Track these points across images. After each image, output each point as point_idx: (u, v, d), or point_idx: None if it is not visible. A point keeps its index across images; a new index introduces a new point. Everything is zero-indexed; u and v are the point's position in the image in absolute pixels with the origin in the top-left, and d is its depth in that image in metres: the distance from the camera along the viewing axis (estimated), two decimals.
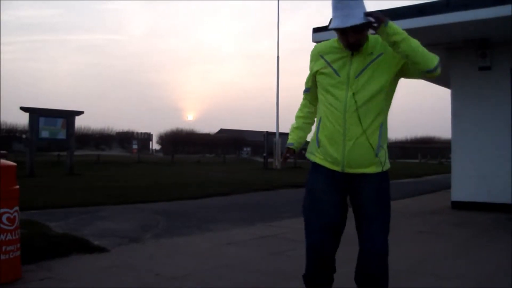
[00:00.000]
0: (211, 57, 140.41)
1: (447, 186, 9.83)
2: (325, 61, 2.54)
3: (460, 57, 8.12)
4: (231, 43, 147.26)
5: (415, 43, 2.31)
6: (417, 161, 38.47)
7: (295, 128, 2.79)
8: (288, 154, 2.74)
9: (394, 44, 2.31)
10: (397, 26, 2.31)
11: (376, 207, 2.47)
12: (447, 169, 12.30)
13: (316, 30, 7.60)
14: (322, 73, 2.56)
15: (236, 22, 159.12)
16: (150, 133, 63.54)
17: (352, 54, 2.46)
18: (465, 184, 8.07)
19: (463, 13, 6.45)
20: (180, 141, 57.97)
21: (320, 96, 2.60)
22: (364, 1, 2.38)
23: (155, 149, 62.55)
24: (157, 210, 7.42)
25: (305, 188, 2.65)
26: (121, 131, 60.70)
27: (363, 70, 2.43)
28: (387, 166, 2.51)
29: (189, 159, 34.95)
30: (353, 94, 2.43)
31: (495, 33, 7.20)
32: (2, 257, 3.41)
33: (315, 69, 2.60)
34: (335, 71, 2.49)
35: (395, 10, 7.04)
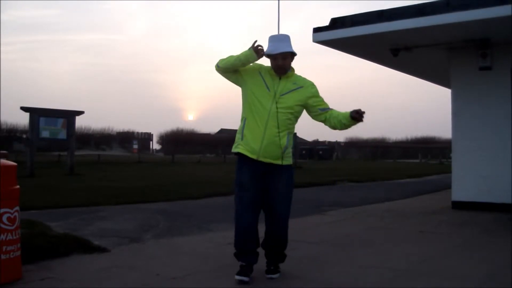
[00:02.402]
0: (211, 57, 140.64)
1: (447, 186, 9.83)
2: (262, 77, 3.57)
3: (460, 57, 8.11)
4: (231, 43, 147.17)
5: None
6: (417, 161, 38.46)
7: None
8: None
9: (345, 126, 3.57)
10: None
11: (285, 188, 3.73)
12: (447, 169, 12.28)
13: (316, 30, 7.57)
14: (256, 85, 3.55)
15: (236, 22, 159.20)
16: (150, 133, 63.55)
17: (280, 79, 3.56)
18: (466, 184, 8.06)
19: (463, 13, 6.43)
20: (181, 141, 57.90)
21: (249, 101, 3.55)
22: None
23: (155, 149, 62.55)
24: (157, 210, 7.42)
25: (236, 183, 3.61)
26: (121, 131, 60.68)
27: (286, 93, 3.52)
28: (289, 161, 3.69)
29: (190, 159, 34.94)
30: (277, 106, 3.48)
31: (495, 33, 7.19)
32: (3, 257, 3.41)
33: (250, 80, 3.59)
34: (267, 87, 3.53)
35: (395, 10, 7.02)
